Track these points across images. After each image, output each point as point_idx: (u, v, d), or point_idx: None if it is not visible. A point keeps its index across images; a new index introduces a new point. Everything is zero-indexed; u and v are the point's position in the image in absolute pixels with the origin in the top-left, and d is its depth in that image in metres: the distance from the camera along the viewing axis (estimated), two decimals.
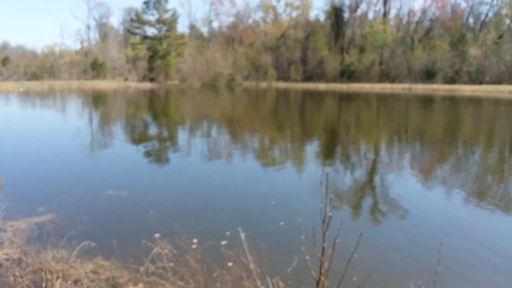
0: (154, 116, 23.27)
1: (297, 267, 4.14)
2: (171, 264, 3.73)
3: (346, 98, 42.56)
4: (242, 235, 3.44)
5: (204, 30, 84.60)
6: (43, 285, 3.81)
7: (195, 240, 4.61)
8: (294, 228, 5.64)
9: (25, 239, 4.75)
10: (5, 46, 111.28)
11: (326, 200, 3.05)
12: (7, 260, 4.28)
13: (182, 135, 15.59)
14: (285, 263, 4.23)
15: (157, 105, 31.18)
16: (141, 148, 12.26)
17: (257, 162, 10.51)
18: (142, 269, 4.08)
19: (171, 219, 5.88)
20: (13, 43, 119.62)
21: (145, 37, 76.48)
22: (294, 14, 78.95)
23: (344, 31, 73.50)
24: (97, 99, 35.03)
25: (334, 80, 66.41)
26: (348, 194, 7.60)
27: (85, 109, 26.46)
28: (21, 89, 38.81)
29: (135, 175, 8.78)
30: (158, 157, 11.15)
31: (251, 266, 3.33)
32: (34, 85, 43.54)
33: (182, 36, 76.15)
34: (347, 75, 67.11)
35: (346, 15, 75.04)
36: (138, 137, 14.58)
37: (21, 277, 3.96)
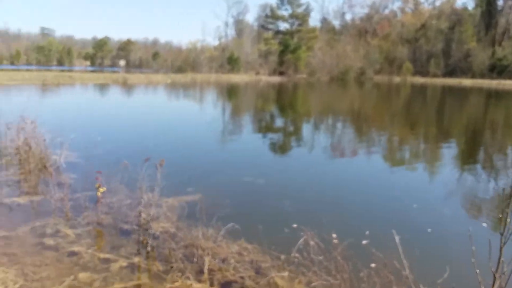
0: (281, 108, 23.70)
1: (450, 279, 3.67)
2: (320, 257, 3.62)
3: (495, 95, 37.43)
4: (397, 238, 3.15)
5: (336, 23, 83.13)
6: (195, 259, 4.08)
7: (334, 235, 4.45)
8: (443, 235, 5.07)
9: (177, 216, 5.16)
10: (155, 42, 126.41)
11: (508, 210, 2.60)
12: (163, 233, 4.71)
13: (309, 129, 15.52)
14: (436, 273, 3.79)
15: (285, 98, 31.77)
16: (270, 139, 12.58)
17: (388, 161, 9.87)
18: (283, 257, 4.09)
19: (307, 211, 5.84)
20: (162, 40, 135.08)
21: (277, 32, 78.60)
22: (438, 2, 72.20)
23: (497, 20, 64.58)
24: (230, 92, 37.27)
25: (482, 75, 58.92)
26: (493, 203, 6.58)
27: (220, 101, 28.33)
28: (169, 81, 43.49)
29: (268, 165, 9.06)
30: (285, 149, 11.30)
31: (407, 271, 3.03)
32: (179, 77, 48.38)
33: (313, 29, 76.11)
34: (498, 70, 58.91)
35: (500, 2, 65.83)
36: (266, 129, 15.01)
37: (175, 250, 4.32)
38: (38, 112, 8.18)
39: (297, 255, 3.86)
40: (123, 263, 3.98)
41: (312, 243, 3.71)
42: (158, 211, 4.92)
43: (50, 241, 4.39)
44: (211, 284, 3.65)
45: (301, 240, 3.91)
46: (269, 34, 77.48)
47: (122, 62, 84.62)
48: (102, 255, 4.12)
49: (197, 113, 19.70)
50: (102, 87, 33.74)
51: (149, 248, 4.32)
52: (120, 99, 26.52)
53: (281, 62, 68.24)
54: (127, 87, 34.88)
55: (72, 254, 4.14)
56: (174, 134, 12.52)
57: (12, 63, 79.59)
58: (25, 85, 31.14)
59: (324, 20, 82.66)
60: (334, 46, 67.24)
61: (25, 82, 33.13)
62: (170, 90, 34.24)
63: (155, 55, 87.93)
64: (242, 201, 6.18)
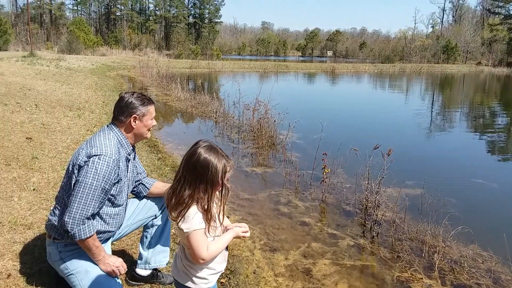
0: (507, 105, 20.11)
1: None
2: None
3: None
4: None
5: None
6: (422, 254, 3.95)
7: None
8: None
9: (398, 206, 5.05)
10: (363, 32, 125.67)
11: None
12: (386, 221, 4.71)
13: None
14: None
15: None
16: (493, 139, 10.91)
17: None
18: None
19: None
20: (370, 29, 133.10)
21: (507, 17, 66.92)
22: None
23: None
24: (444, 83, 33.89)
25: None
26: None
27: (431, 92, 26.04)
28: (376, 71, 42.68)
29: (498, 167, 7.99)
30: None
31: None
32: (387, 67, 46.84)
33: None
34: None
35: None
36: (486, 127, 13.01)
37: (400, 240, 4.27)
38: (269, 96, 9.25)
39: None
40: (350, 242, 4.18)
41: None
42: (379, 199, 4.95)
43: (284, 209, 4.98)
44: (443, 284, 3.48)
45: None
46: (496, 19, 66.78)
47: (329, 53, 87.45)
48: (330, 230, 4.43)
49: (405, 104, 18.72)
50: (313, 76, 35.63)
51: (374, 233, 4.41)
52: (331, 87, 27.49)
53: (510, 52, 58.01)
54: (335, 76, 35.85)
55: (303, 224, 4.58)
56: (384, 124, 12.28)
57: (239, 54, 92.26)
58: (250, 72, 35.71)
59: None
60: None
61: (249, 70, 37.99)
62: (377, 80, 33.52)
63: (362, 45, 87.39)
64: (471, 203, 5.62)
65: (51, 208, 2.62)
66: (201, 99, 13.11)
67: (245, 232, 2.05)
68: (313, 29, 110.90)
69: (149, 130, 2.70)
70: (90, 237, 2.36)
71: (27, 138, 6.16)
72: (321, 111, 14.25)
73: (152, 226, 2.98)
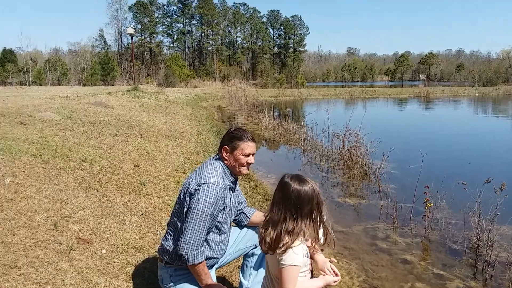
0: None
1: None
2: None
3: None
4: None
5: None
6: None
7: None
8: None
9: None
10: (459, 53, 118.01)
11: None
12: (500, 263, 4.22)
13: None
14: None
15: None
16: None
17: None
18: None
19: None
20: (467, 50, 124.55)
21: None
22: None
23: None
24: None
25: None
26: None
27: None
28: (476, 94, 39.49)
29: None
30: None
31: None
32: (489, 90, 43.08)
33: None
34: None
35: None
36: None
37: None
38: (360, 124, 9.03)
39: None
40: (459, 283, 3.81)
41: None
42: (491, 237, 4.46)
43: (382, 244, 4.72)
44: None
45: None
46: None
47: (422, 76, 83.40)
48: (435, 270, 4.08)
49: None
50: (404, 101, 34.09)
51: (486, 275, 3.97)
52: (426, 112, 25.99)
53: None
54: (430, 100, 33.88)
55: (405, 261, 4.29)
56: (491, 154, 11.17)
57: (323, 81, 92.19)
58: (335, 99, 35.39)
59: None
60: None
61: (335, 97, 37.67)
62: (479, 104, 30.92)
63: (460, 67, 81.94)
64: None
65: (163, 233, 2.81)
66: (288, 127, 13.25)
67: (335, 281, 2.07)
68: (403, 52, 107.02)
69: (242, 165, 2.72)
70: (201, 262, 2.50)
71: (135, 165, 6.73)
72: (416, 140, 13.48)
73: (252, 255, 3.03)
